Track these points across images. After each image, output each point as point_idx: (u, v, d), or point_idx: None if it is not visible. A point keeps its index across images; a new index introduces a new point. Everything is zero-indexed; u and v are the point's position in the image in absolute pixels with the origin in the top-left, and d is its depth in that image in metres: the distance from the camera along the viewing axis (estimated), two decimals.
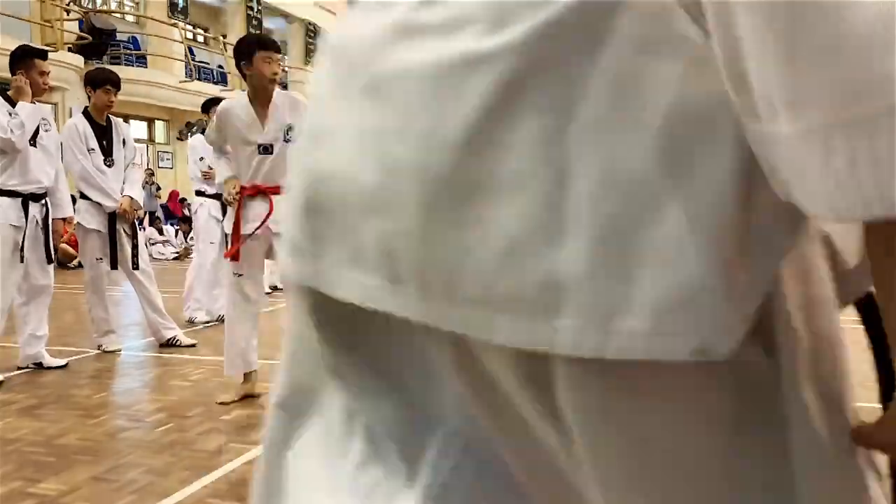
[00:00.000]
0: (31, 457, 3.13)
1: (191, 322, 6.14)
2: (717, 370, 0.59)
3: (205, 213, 6.43)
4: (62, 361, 4.76)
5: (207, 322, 6.27)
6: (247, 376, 4.03)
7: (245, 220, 3.84)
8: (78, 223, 5.13)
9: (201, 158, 6.39)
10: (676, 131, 0.56)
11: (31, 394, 4.12)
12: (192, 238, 8.62)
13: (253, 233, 3.83)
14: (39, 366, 4.67)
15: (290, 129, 3.88)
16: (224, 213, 6.40)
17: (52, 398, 4.03)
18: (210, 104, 6.50)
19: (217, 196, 6.40)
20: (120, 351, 5.24)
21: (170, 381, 4.43)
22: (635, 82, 0.56)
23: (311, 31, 22.11)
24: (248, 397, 4.00)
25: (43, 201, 4.74)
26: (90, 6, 16.13)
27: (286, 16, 21.62)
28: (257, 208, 3.85)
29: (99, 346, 5.22)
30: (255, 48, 3.81)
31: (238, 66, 3.87)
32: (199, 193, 6.55)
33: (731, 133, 0.55)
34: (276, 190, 3.86)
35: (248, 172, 3.87)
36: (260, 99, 3.87)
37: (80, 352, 5.12)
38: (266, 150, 3.83)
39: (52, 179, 4.78)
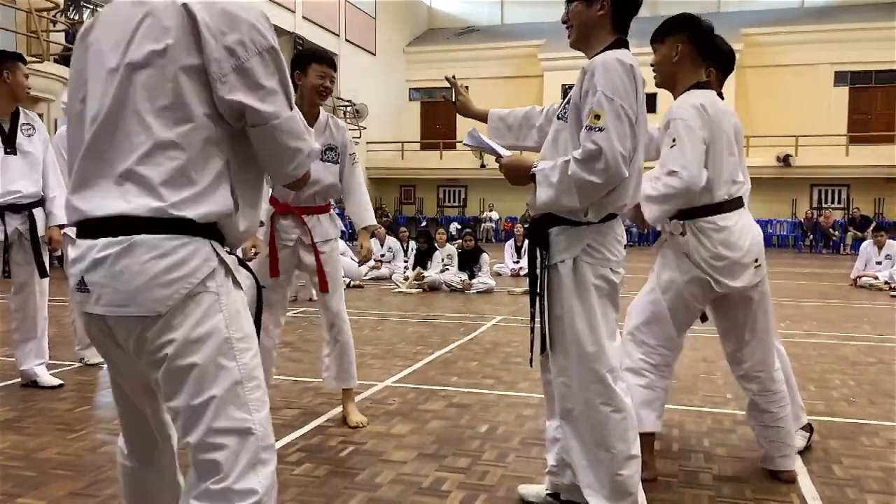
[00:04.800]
0: (10, 471, 3.08)
1: None
2: None
3: None
4: (57, 381, 4.56)
5: None
6: None
7: (278, 237, 3.79)
8: (65, 233, 5.08)
9: None
10: None
11: (11, 407, 4.06)
12: None
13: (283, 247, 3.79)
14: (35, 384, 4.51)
15: (329, 149, 3.84)
16: None
17: (33, 412, 3.98)
18: None
19: None
20: (102, 364, 5.19)
21: None
22: None
23: (299, 44, 22.14)
24: None
25: (26, 212, 4.50)
26: (77, 17, 16.05)
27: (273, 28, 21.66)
28: (288, 227, 3.80)
29: (81, 359, 5.17)
30: (310, 59, 3.78)
31: (291, 74, 3.76)
32: None
33: None
34: (307, 210, 3.83)
35: (282, 189, 3.75)
36: (305, 113, 3.80)
37: (61, 364, 5.06)
38: None
39: (38, 187, 4.53)
